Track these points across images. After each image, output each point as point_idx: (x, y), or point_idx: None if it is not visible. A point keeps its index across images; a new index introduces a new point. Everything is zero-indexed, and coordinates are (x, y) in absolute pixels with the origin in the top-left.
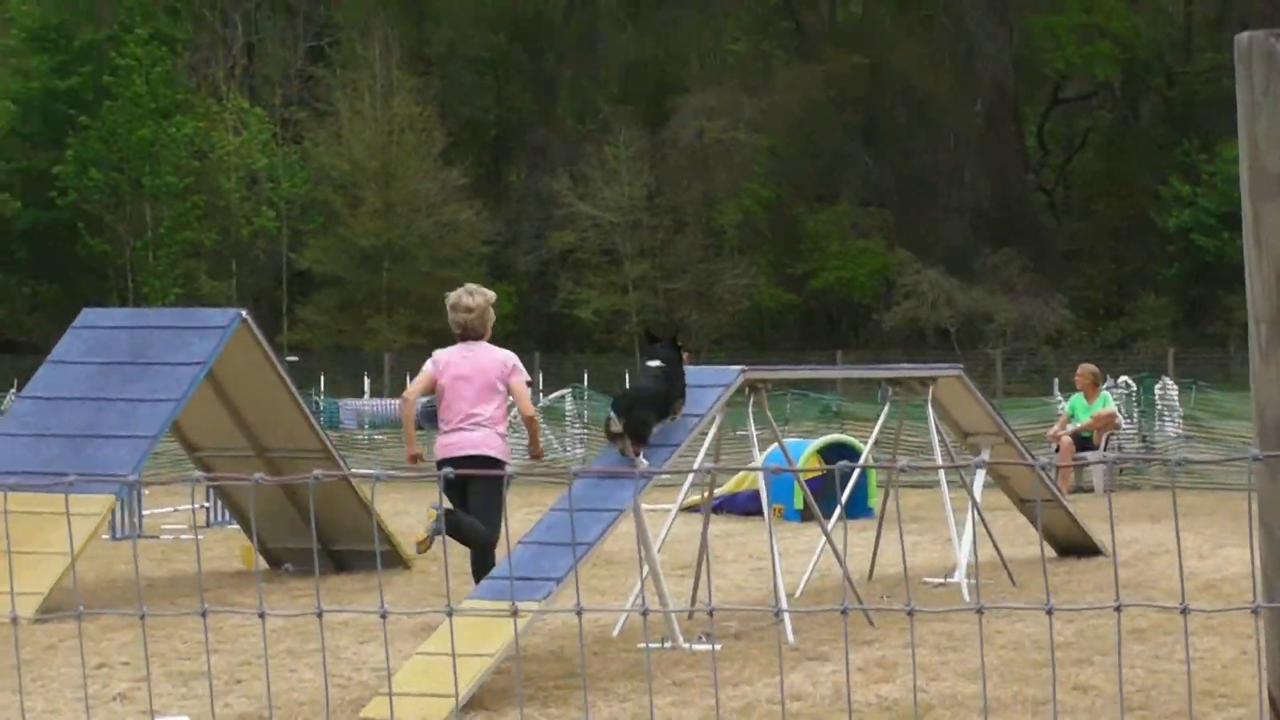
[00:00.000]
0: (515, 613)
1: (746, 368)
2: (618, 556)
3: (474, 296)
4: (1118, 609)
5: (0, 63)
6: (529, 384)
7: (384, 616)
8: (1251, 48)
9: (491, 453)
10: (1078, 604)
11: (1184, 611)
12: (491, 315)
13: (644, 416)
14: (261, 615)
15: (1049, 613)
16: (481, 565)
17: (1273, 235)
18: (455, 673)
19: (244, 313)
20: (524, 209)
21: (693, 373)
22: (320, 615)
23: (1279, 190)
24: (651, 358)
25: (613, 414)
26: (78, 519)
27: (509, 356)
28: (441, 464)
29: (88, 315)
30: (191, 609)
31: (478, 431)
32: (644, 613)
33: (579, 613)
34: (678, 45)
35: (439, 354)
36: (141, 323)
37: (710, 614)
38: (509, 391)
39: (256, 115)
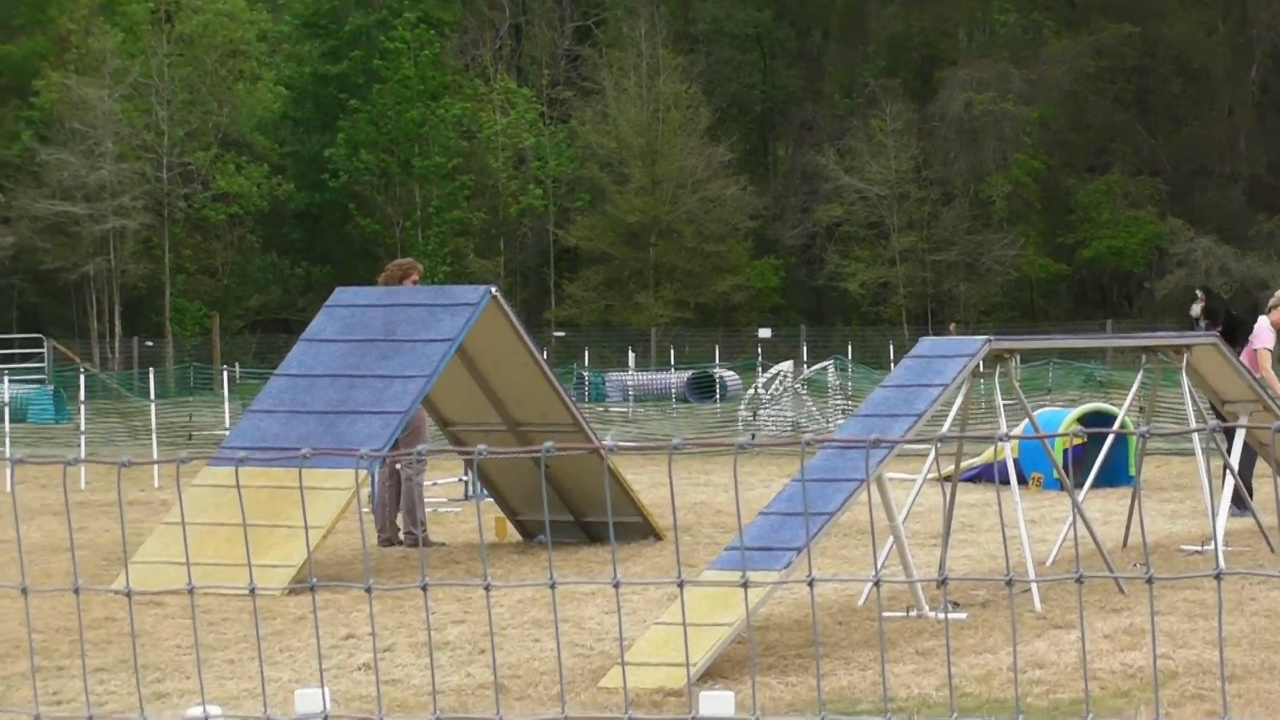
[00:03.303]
0: (746, 584)
1: (993, 337)
2: (870, 526)
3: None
4: None
5: (274, 49)
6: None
7: (617, 587)
8: None
9: None
10: None
11: None
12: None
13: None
14: (486, 588)
15: None
16: None
17: None
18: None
19: (493, 289)
20: (790, 183)
21: (938, 343)
22: (554, 587)
23: None
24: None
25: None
26: (329, 493)
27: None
28: None
29: (341, 294)
30: (437, 581)
31: None
32: (876, 582)
33: (810, 583)
34: (946, 17)
35: None
36: (393, 300)
37: (941, 584)
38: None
39: (523, 95)
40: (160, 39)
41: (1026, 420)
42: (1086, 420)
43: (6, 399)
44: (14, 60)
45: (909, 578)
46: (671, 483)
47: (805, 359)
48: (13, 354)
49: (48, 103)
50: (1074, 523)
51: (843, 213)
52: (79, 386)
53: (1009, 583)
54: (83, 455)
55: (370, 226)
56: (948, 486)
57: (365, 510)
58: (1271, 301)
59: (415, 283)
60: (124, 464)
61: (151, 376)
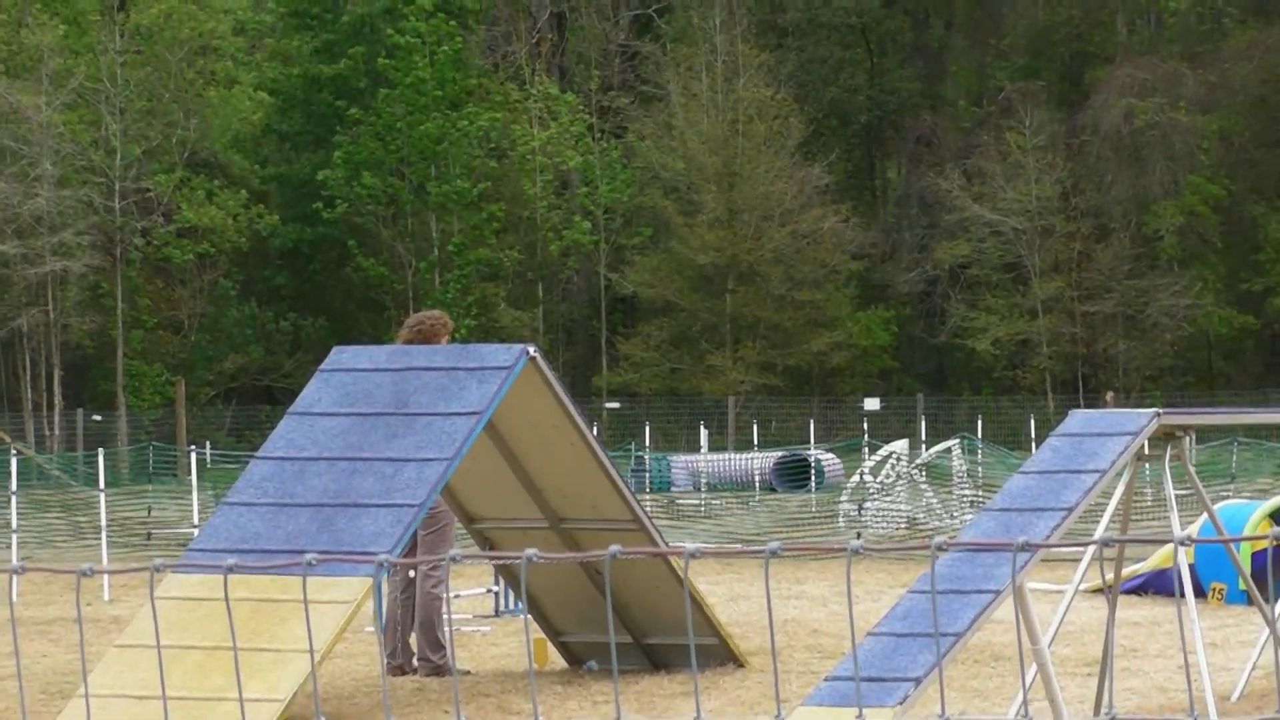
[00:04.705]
0: None
1: (1162, 410)
2: (1006, 650)
3: None
4: None
5: (254, 45)
6: None
7: None
8: None
9: None
10: None
11: None
12: None
13: None
14: None
15: None
16: None
17: None
18: None
19: (531, 349)
20: (904, 214)
21: (1093, 418)
22: None
23: None
24: None
25: None
26: (325, 608)
27: None
28: None
29: (339, 355)
30: None
31: None
32: None
33: None
34: (1101, 4)
35: None
36: (406, 363)
37: None
38: None
39: (568, 103)
40: (112, 33)
41: (1205, 516)
42: None
43: None
44: None
45: (1058, 717)
46: (769, 596)
47: (923, 437)
48: None
49: None
50: (1266, 646)
51: (970, 251)
52: (9, 472)
53: None
54: (15, 558)
55: (375, 269)
56: (1104, 599)
57: (369, 629)
58: None
59: (447, 343)
60: (85, 572)
61: (100, 459)
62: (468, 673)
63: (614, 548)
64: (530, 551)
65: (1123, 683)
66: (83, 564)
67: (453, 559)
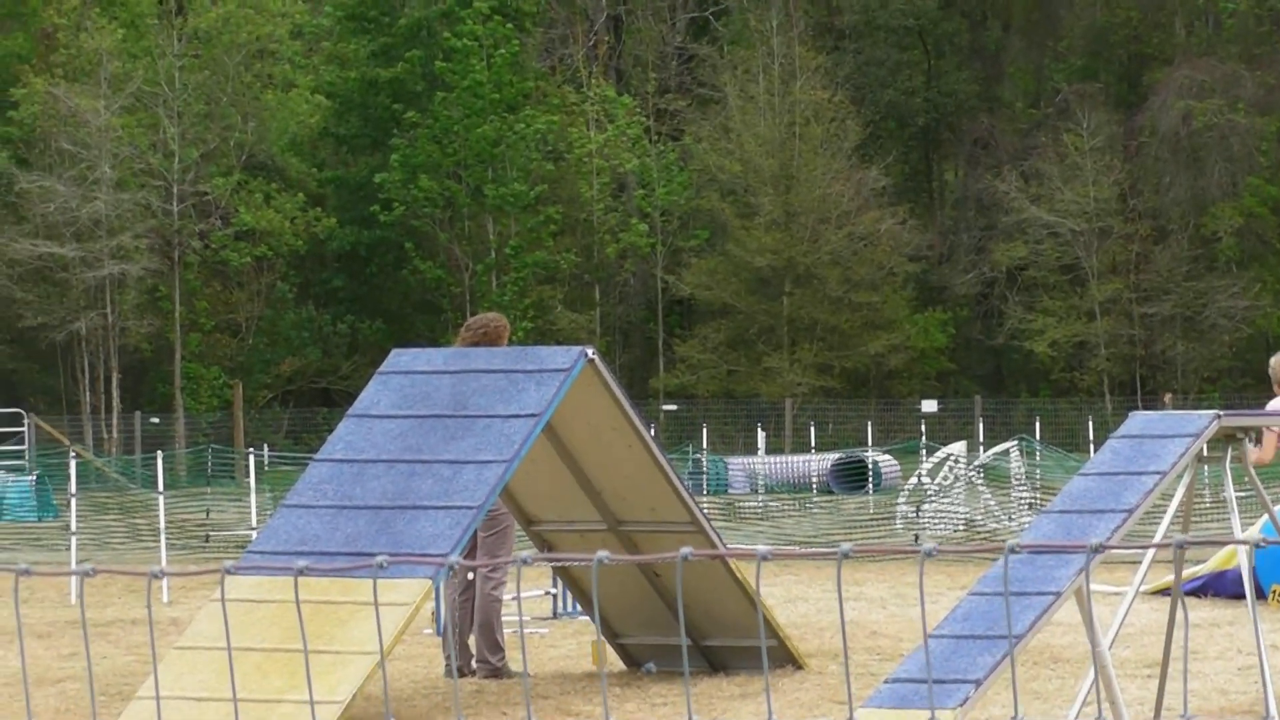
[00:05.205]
0: None
1: (1222, 412)
2: (1065, 653)
3: None
4: None
5: (311, 49)
6: None
7: None
8: None
9: None
10: None
11: None
12: None
13: None
14: None
15: None
16: None
17: None
18: None
19: (590, 351)
20: (961, 216)
21: (1153, 420)
22: None
23: None
24: None
25: None
26: (385, 610)
27: None
28: None
29: (397, 357)
30: None
31: None
32: None
33: None
34: (1159, 5)
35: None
36: (464, 366)
37: None
38: None
39: (624, 105)
40: (170, 36)
41: (1265, 518)
42: None
43: None
44: None
45: (1119, 719)
46: (841, 598)
47: (981, 439)
48: None
49: (29, 116)
50: None
51: (1028, 253)
52: (68, 475)
53: None
54: (74, 560)
55: (432, 271)
56: (1162, 601)
57: (427, 631)
58: None
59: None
60: (156, 575)
61: (159, 461)
62: (528, 675)
63: (685, 549)
64: (602, 554)
65: (1184, 684)
66: (152, 566)
67: (524, 562)
